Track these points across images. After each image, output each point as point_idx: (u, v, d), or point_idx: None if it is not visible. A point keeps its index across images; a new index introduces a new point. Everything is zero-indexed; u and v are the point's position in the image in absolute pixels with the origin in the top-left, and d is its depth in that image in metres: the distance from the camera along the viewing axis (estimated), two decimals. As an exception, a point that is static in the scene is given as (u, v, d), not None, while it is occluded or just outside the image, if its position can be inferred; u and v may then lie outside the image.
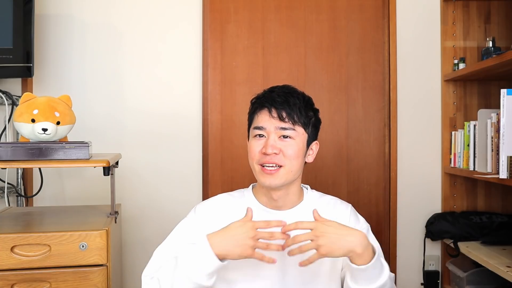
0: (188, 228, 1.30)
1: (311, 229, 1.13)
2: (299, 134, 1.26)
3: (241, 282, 1.26)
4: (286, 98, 1.25)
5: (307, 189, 1.38)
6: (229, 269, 1.23)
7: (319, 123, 1.34)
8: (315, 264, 1.17)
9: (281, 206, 1.31)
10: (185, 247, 1.18)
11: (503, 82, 2.27)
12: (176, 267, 1.14)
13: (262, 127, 1.26)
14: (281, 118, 1.24)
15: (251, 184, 1.38)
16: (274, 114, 1.25)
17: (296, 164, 1.26)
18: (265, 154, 1.23)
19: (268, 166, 1.24)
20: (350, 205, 1.38)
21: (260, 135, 1.26)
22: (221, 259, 1.11)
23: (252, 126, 1.30)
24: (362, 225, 1.34)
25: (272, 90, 1.30)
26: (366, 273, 1.12)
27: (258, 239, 1.14)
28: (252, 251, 1.13)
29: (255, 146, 1.26)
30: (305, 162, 1.32)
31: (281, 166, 1.24)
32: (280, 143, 1.24)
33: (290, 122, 1.24)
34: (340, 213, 1.33)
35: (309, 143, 1.30)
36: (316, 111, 1.33)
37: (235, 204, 1.33)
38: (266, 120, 1.25)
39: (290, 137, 1.25)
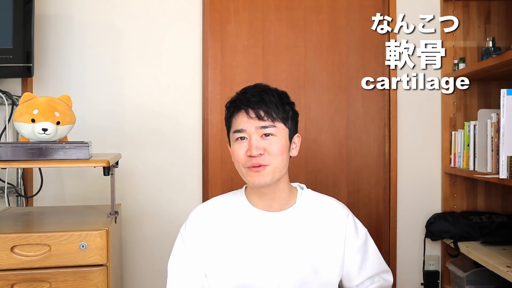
0: (182, 261, 1.29)
1: None
2: (280, 130, 1.25)
3: None
4: (261, 96, 1.24)
5: (302, 189, 1.36)
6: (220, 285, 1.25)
7: (297, 116, 1.33)
8: (310, 279, 1.21)
9: (272, 205, 1.29)
10: None
11: (503, 82, 2.27)
12: None
13: (242, 129, 1.24)
14: (259, 117, 1.23)
15: (245, 185, 1.36)
16: (252, 114, 1.23)
17: (282, 160, 1.25)
18: (250, 156, 1.22)
19: (255, 167, 1.23)
20: (348, 210, 1.35)
21: (242, 138, 1.25)
22: None
23: (232, 130, 1.28)
24: (360, 230, 1.32)
25: (244, 91, 1.28)
26: None
27: None
28: None
29: (239, 149, 1.25)
30: (290, 157, 1.31)
31: (267, 165, 1.23)
32: (263, 142, 1.23)
33: (269, 119, 1.23)
34: (337, 215, 1.32)
35: (291, 137, 1.29)
36: (292, 105, 1.32)
37: (226, 206, 1.32)
38: (245, 121, 1.24)
39: (272, 135, 1.24)
